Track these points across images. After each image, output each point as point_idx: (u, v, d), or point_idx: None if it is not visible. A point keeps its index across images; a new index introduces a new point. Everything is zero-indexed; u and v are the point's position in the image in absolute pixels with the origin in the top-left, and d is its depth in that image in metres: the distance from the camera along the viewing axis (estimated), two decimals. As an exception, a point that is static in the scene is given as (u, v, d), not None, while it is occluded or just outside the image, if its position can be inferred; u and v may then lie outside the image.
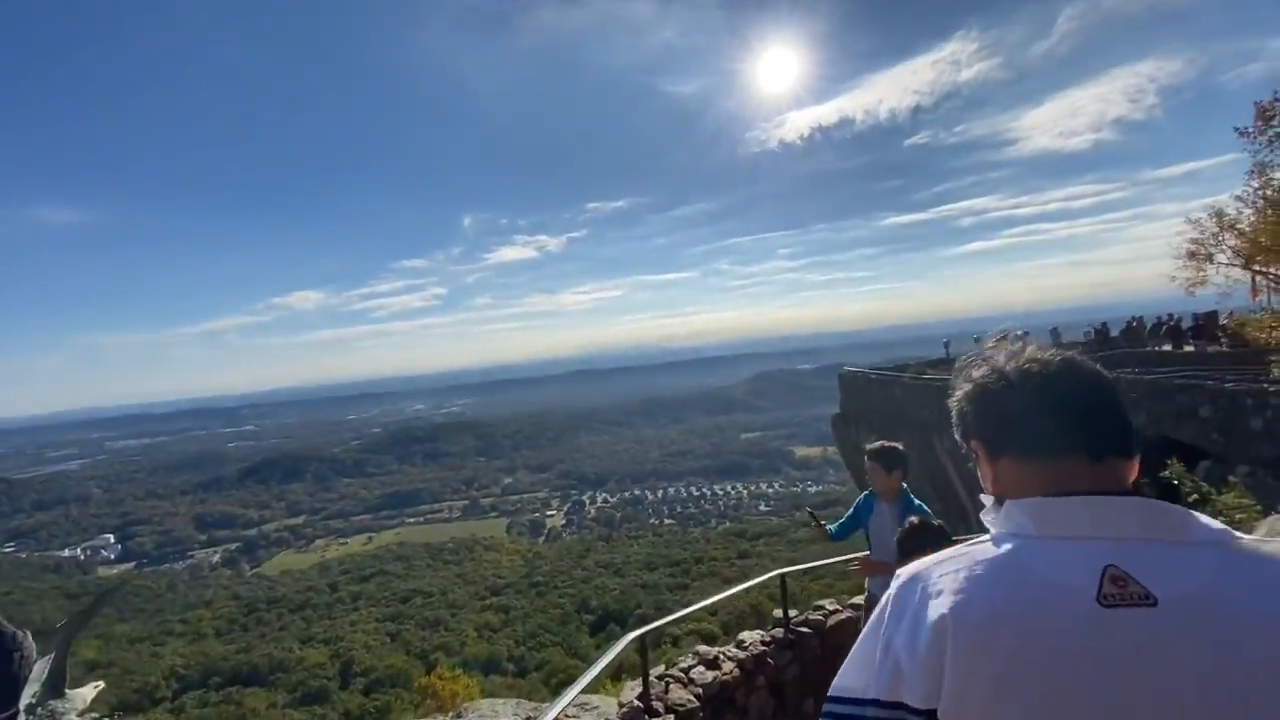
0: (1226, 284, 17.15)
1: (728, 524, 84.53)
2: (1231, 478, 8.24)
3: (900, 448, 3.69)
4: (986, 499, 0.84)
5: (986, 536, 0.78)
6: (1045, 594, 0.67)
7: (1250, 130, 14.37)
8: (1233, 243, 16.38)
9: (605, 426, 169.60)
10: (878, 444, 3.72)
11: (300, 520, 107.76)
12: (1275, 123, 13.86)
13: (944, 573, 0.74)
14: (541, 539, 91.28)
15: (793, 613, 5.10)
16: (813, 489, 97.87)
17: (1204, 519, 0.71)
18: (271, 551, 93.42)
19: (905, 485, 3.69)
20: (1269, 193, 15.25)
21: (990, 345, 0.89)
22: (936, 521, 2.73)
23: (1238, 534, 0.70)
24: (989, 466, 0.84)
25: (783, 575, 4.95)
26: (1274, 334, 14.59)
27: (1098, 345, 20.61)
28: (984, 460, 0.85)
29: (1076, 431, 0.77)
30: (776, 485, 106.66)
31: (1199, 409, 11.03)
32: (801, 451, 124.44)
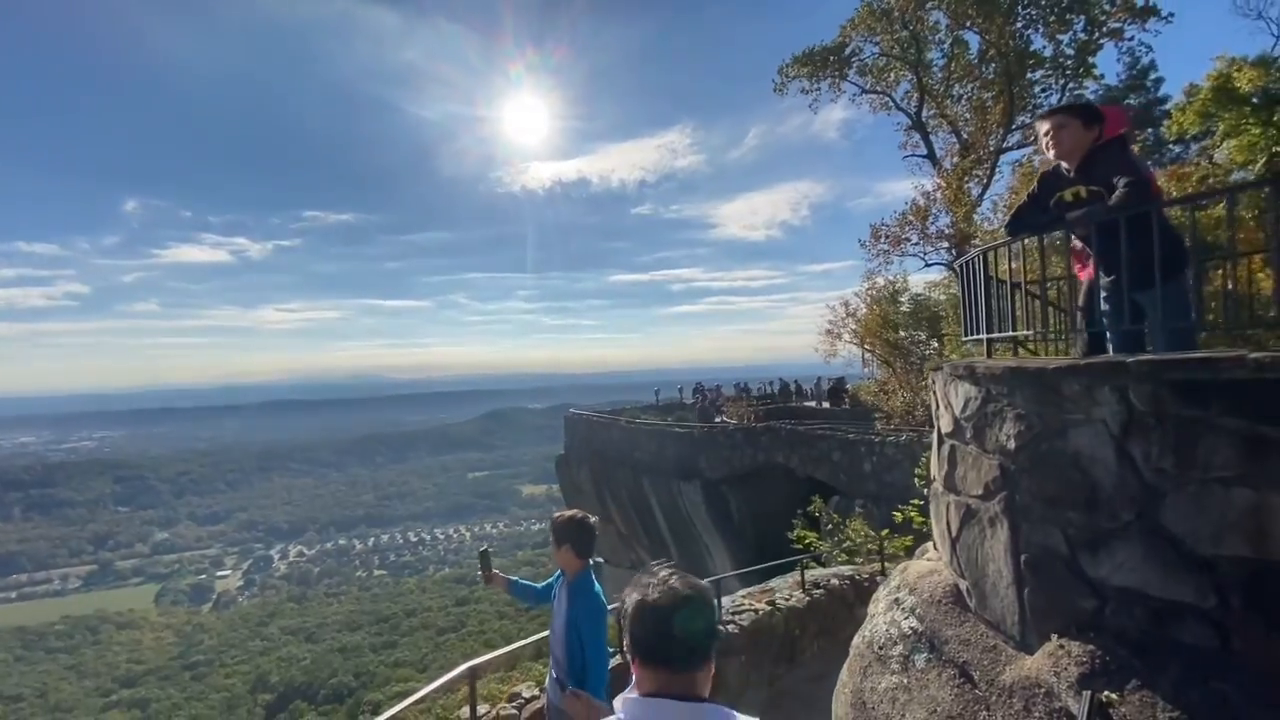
0: (850, 356, 22.56)
1: (446, 570, 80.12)
2: (858, 509, 10.59)
3: (581, 520, 2.92)
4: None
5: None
6: None
7: (867, 243, 19.41)
8: (853, 327, 21.63)
9: (307, 467, 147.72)
10: (559, 513, 3.06)
11: None
12: (881, 242, 19.00)
13: None
14: (207, 607, 74.52)
15: (484, 709, 4.51)
16: (535, 527, 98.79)
17: (726, 711, 1.19)
18: None
19: (589, 565, 2.90)
20: (873, 293, 20.69)
21: (651, 572, 1.28)
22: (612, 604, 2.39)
23: (737, 715, 1.18)
24: (632, 663, 1.25)
25: (472, 671, 3.98)
26: (877, 398, 19.53)
27: (759, 399, 25.26)
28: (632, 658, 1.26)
29: (673, 652, 1.19)
30: (501, 525, 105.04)
31: (832, 454, 14.08)
32: (528, 490, 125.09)
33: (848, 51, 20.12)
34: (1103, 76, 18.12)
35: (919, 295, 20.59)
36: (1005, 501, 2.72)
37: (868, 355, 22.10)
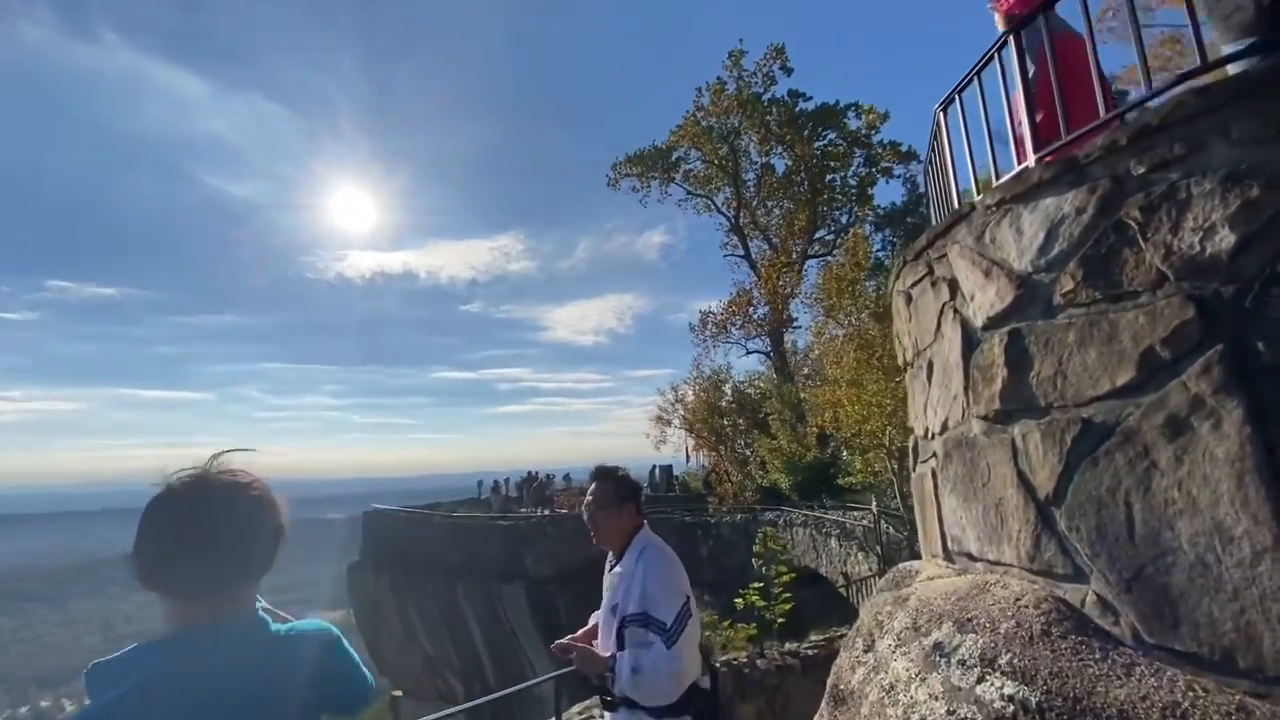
0: (677, 445, 22.73)
1: (194, 729, 63.40)
2: (705, 599, 9.65)
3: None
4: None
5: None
6: None
7: (696, 328, 20.27)
8: (682, 413, 21.93)
9: (4, 602, 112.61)
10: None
11: None
12: (708, 328, 19.90)
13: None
14: None
15: None
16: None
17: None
18: None
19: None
20: (700, 379, 21.41)
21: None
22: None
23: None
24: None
25: None
26: (711, 481, 19.53)
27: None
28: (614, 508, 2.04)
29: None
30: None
31: (666, 539, 13.26)
32: (323, 616, 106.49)
33: (675, 157, 21.83)
34: (879, 206, 21.36)
35: (740, 382, 21.66)
36: (1223, 370, 1.37)
37: (694, 442, 22.41)
